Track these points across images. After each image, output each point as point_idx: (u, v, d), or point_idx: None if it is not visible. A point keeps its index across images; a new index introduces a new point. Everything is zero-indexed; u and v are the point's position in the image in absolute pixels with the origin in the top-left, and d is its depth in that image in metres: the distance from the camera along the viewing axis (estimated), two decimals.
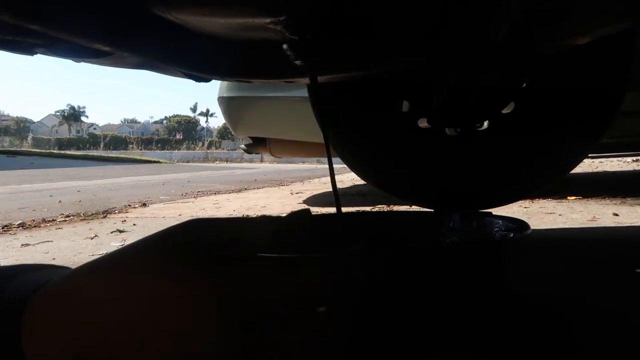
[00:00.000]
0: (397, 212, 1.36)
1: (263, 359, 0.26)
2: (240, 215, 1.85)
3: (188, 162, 14.59)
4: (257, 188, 3.47)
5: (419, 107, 0.94)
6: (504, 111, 0.90)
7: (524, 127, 0.89)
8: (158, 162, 12.44)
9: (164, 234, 0.29)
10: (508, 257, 0.44)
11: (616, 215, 1.41)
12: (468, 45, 0.56)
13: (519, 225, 0.51)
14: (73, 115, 59.23)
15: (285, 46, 0.51)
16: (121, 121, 78.23)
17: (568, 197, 1.85)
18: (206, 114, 64.77)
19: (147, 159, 13.55)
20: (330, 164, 0.47)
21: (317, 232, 0.31)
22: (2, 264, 0.36)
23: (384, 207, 1.84)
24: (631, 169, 3.75)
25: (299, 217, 0.32)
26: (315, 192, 2.89)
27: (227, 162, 13.81)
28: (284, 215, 0.32)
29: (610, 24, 0.57)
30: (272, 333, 0.26)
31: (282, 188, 3.42)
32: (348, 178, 3.81)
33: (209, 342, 0.25)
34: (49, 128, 63.18)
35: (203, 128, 66.27)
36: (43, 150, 17.21)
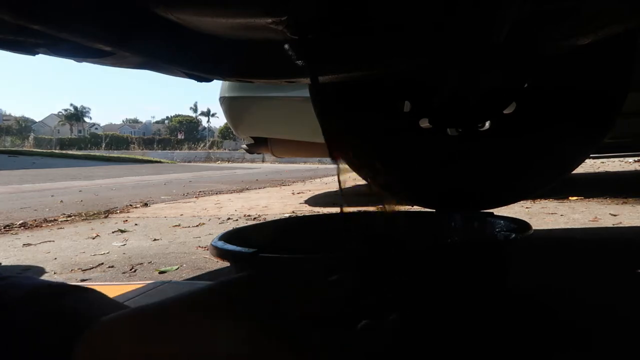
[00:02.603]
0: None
1: None
2: (241, 215, 1.85)
3: (190, 162, 14.59)
4: (259, 188, 3.47)
5: (420, 107, 0.93)
6: (506, 111, 0.90)
7: (525, 127, 0.89)
8: (160, 162, 12.45)
9: (214, 286, 0.30)
10: (509, 257, 0.44)
11: (617, 215, 1.41)
12: (470, 46, 0.56)
13: (521, 225, 0.51)
14: (75, 116, 59.29)
15: (286, 46, 0.51)
16: (123, 121, 78.26)
17: (569, 198, 1.84)
18: (208, 113, 64.77)
19: (149, 158, 13.55)
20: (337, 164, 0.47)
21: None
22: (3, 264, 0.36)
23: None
24: (633, 169, 3.74)
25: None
26: (316, 192, 2.89)
27: (228, 162, 13.80)
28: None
29: (612, 25, 0.57)
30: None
31: (283, 188, 3.42)
32: (349, 178, 3.80)
33: None
34: (50, 128, 63.21)
35: (205, 128, 66.25)
36: (45, 150, 17.20)
